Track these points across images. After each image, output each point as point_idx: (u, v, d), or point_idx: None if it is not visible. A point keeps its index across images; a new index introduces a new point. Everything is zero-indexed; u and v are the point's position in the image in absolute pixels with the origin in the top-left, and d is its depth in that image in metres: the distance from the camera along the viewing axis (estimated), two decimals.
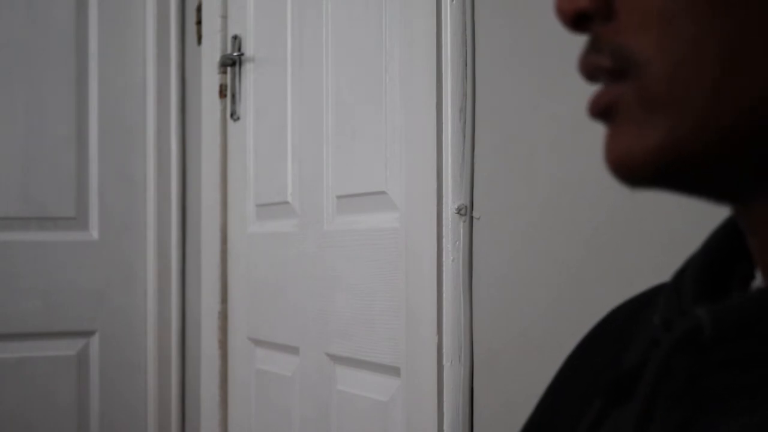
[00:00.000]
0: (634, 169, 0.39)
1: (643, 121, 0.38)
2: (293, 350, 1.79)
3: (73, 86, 2.34)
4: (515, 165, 1.19)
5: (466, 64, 1.27)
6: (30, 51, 2.30)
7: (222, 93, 2.07)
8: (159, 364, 2.39)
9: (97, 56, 2.37)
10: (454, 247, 1.27)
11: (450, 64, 1.27)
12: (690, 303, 0.43)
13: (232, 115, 2.07)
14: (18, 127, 2.29)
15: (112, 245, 2.39)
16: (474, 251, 1.27)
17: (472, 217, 1.27)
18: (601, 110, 0.40)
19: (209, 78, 2.13)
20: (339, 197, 1.66)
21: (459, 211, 1.27)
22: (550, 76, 1.13)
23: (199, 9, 2.24)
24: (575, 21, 0.41)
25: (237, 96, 2.05)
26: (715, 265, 0.45)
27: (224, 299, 2.08)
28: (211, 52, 2.13)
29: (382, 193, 1.51)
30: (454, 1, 1.27)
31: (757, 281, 0.43)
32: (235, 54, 2.04)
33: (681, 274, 0.46)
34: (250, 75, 2.02)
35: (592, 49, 0.40)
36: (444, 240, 1.28)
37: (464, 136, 1.27)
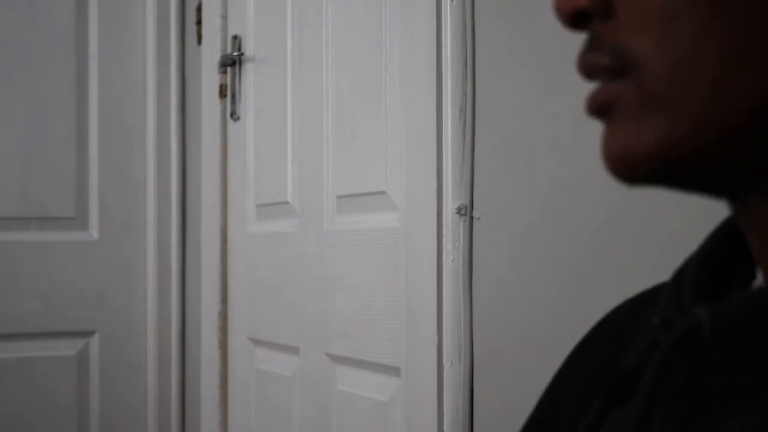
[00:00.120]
0: (632, 167, 0.39)
1: (642, 119, 0.38)
2: (293, 350, 1.79)
3: (73, 86, 2.34)
4: (515, 165, 1.19)
5: (466, 64, 1.27)
6: (30, 51, 2.30)
7: (222, 93, 2.07)
8: (159, 364, 2.39)
9: (97, 56, 2.37)
10: (454, 247, 1.27)
11: (450, 64, 1.27)
12: (689, 303, 0.43)
13: (232, 115, 2.07)
14: (18, 127, 2.29)
15: (112, 245, 2.39)
16: (474, 251, 1.27)
17: (472, 217, 1.27)
18: (598, 107, 0.40)
19: (209, 78, 2.13)
20: (339, 197, 1.66)
21: (459, 211, 1.27)
22: (550, 76, 1.13)
23: (199, 9, 2.24)
24: (574, 19, 0.40)
25: (237, 96, 2.05)
26: (714, 264, 0.45)
27: (224, 299, 2.08)
28: (211, 52, 2.13)
29: (382, 193, 1.51)
30: (454, 1, 1.27)
31: (758, 281, 0.43)
32: (235, 54, 2.04)
33: (680, 274, 0.46)
34: (250, 75, 2.02)
35: (590, 47, 0.40)
36: (444, 240, 1.28)
37: (464, 136, 1.27)
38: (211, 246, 2.11)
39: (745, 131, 0.37)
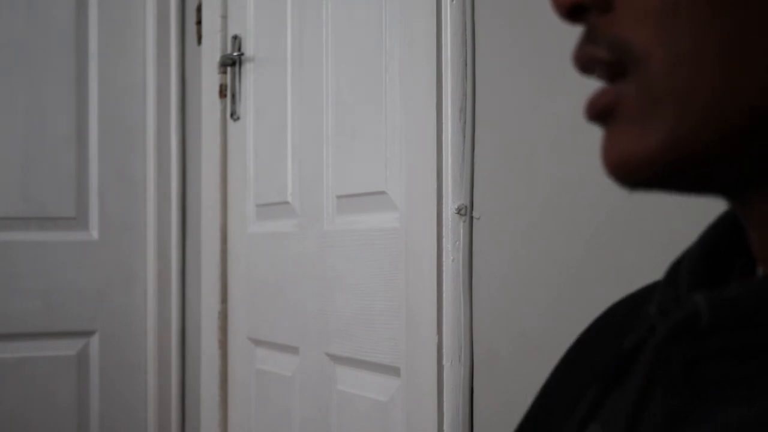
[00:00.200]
0: (634, 172, 0.38)
1: (643, 121, 0.38)
2: (293, 350, 1.79)
3: (73, 86, 2.34)
4: (515, 165, 1.19)
5: (466, 64, 1.27)
6: (30, 51, 2.30)
7: (222, 93, 2.08)
8: (159, 364, 2.39)
9: (97, 56, 2.37)
10: (454, 247, 1.27)
11: (450, 64, 1.27)
12: (686, 293, 0.43)
13: (232, 115, 2.07)
14: (18, 127, 2.29)
15: (112, 245, 2.39)
16: (474, 251, 1.27)
17: (472, 217, 1.27)
18: (599, 112, 0.40)
19: (209, 78, 2.13)
20: (339, 197, 1.66)
21: (459, 211, 1.27)
22: (550, 76, 1.13)
23: (199, 9, 2.24)
24: (571, 12, 0.40)
25: (237, 96, 2.05)
26: (712, 257, 0.45)
27: (224, 299, 2.08)
28: (211, 52, 2.13)
29: (382, 193, 1.51)
30: (454, 1, 1.27)
31: (758, 276, 0.43)
32: (235, 54, 2.04)
33: (677, 266, 0.46)
34: (250, 75, 2.02)
35: (587, 40, 0.40)
36: (444, 240, 1.28)
37: (464, 136, 1.27)
38: (211, 246, 2.11)
39: (746, 131, 0.37)
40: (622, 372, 0.46)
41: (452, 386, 1.27)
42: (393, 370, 1.46)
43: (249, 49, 2.02)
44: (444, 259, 1.28)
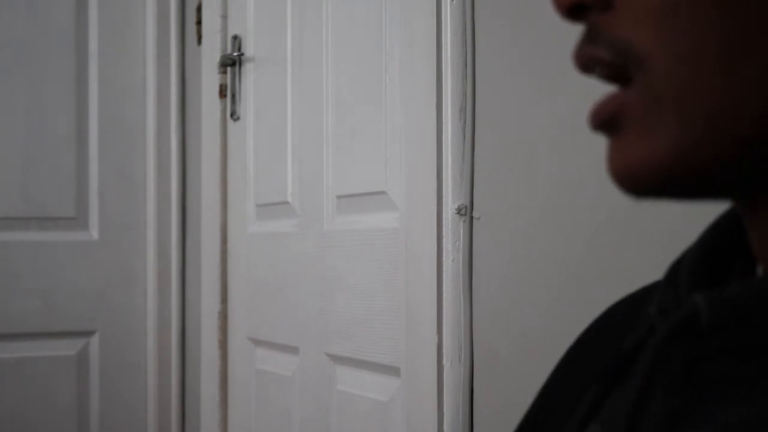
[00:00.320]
0: (640, 181, 0.38)
1: (648, 129, 0.37)
2: (293, 350, 1.79)
3: (73, 86, 2.34)
4: (515, 165, 1.19)
5: (466, 64, 1.27)
6: (30, 51, 2.30)
7: (222, 93, 2.08)
8: (159, 364, 2.39)
9: (97, 56, 2.37)
10: (454, 247, 1.27)
11: (450, 64, 1.27)
12: (686, 293, 0.43)
13: (232, 115, 2.07)
14: (18, 127, 2.29)
15: (112, 245, 2.39)
16: (474, 251, 1.27)
17: (472, 217, 1.27)
18: (604, 121, 0.39)
19: (209, 78, 2.13)
20: (339, 197, 1.66)
21: (459, 211, 1.27)
22: (550, 76, 1.13)
23: (199, 9, 2.24)
24: (571, 10, 0.40)
25: (237, 96, 2.05)
26: (712, 257, 0.45)
27: (224, 299, 2.08)
28: (211, 52, 2.13)
29: (382, 193, 1.51)
30: (454, 1, 1.27)
31: (758, 277, 0.43)
32: (235, 54, 2.04)
33: (677, 266, 0.46)
34: (250, 75, 2.02)
35: (587, 39, 0.40)
36: (444, 240, 1.28)
37: (464, 136, 1.27)
38: (211, 246, 2.11)
39: (750, 135, 0.36)
40: (622, 372, 0.46)
41: (452, 386, 1.27)
42: (393, 370, 1.46)
43: (249, 49, 2.02)
44: (444, 259, 1.28)
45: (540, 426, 0.56)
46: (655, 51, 0.37)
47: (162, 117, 2.39)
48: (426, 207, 1.30)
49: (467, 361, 1.27)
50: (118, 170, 2.39)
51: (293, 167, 1.81)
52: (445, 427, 1.28)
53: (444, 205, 1.28)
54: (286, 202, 1.84)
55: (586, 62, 0.40)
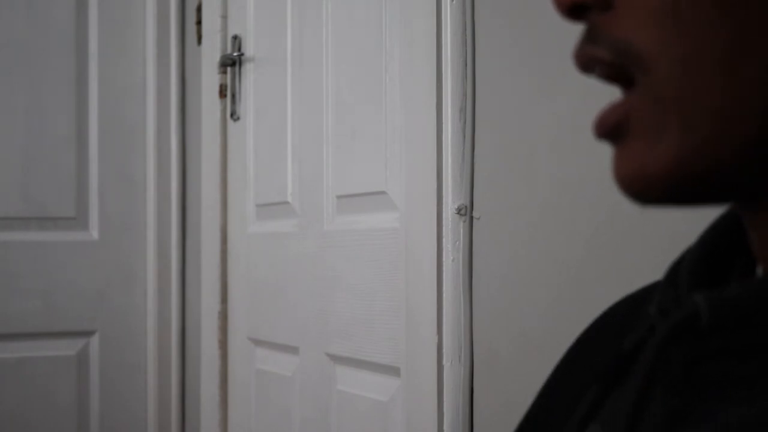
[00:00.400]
0: (646, 188, 0.38)
1: (652, 131, 0.37)
2: (293, 350, 1.79)
3: (73, 86, 2.34)
4: (515, 165, 1.19)
5: (466, 64, 1.27)
6: (30, 51, 2.30)
7: (222, 93, 2.08)
8: (159, 364, 2.39)
9: (97, 56, 2.37)
10: (454, 247, 1.27)
11: (450, 64, 1.27)
12: (686, 293, 0.43)
13: (232, 115, 2.07)
14: (18, 127, 2.29)
15: (112, 245, 2.39)
16: (474, 251, 1.27)
17: (472, 217, 1.27)
18: (610, 128, 0.39)
19: (209, 78, 2.13)
20: (339, 197, 1.66)
21: (459, 211, 1.27)
22: (550, 76, 1.13)
23: (199, 9, 2.24)
24: (572, 10, 0.40)
25: (237, 96, 2.05)
26: (712, 257, 0.45)
27: (224, 299, 2.08)
28: (211, 52, 2.13)
29: (382, 193, 1.51)
30: (454, 1, 1.27)
31: (758, 276, 0.43)
32: (235, 54, 2.04)
33: (677, 266, 0.46)
34: (250, 75, 2.02)
35: (588, 39, 0.40)
36: (444, 240, 1.28)
37: (464, 136, 1.27)
38: (211, 246, 2.11)
39: (754, 138, 0.36)
40: (622, 372, 0.46)
41: (452, 386, 1.27)
42: (393, 370, 1.46)
43: (249, 49, 2.02)
44: (444, 259, 1.28)
45: (540, 426, 0.56)
46: (655, 51, 0.37)
47: (162, 117, 2.39)
48: (426, 207, 1.30)
49: (467, 361, 1.27)
50: (118, 170, 2.39)
51: (293, 167, 1.81)
52: (445, 427, 1.28)
53: (444, 205, 1.28)
54: (286, 202, 1.84)
55: (586, 62, 0.40)
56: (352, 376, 1.61)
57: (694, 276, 0.44)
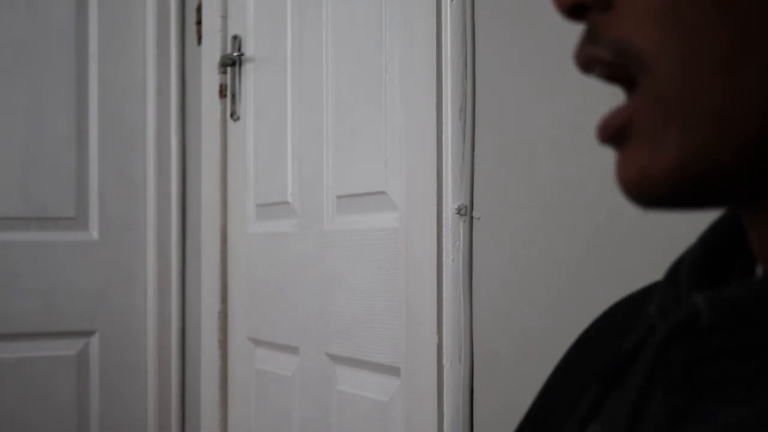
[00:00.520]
0: (649, 191, 0.38)
1: (654, 132, 0.37)
2: (293, 350, 1.79)
3: (73, 86, 2.34)
4: (515, 165, 1.19)
5: (466, 64, 1.27)
6: (30, 51, 2.30)
7: (222, 93, 2.08)
8: (159, 364, 2.39)
9: (97, 56, 2.37)
10: (454, 247, 1.27)
11: (450, 64, 1.27)
12: (686, 293, 0.43)
13: (232, 115, 2.07)
14: (18, 127, 2.29)
15: (112, 245, 2.39)
16: (474, 251, 1.27)
17: (472, 217, 1.27)
18: (613, 133, 0.39)
19: (209, 78, 2.13)
20: (339, 197, 1.66)
21: (459, 211, 1.27)
22: (550, 76, 1.13)
23: (199, 9, 2.24)
24: (572, 10, 0.40)
25: (237, 96, 2.05)
26: (712, 257, 0.45)
27: (224, 299, 2.08)
28: (211, 52, 2.13)
29: (382, 193, 1.52)
30: (454, 1, 1.27)
31: (757, 276, 0.43)
32: (235, 54, 2.04)
33: (677, 266, 0.46)
34: (250, 75, 2.02)
35: (588, 39, 0.40)
36: (444, 240, 1.28)
37: (464, 136, 1.27)
38: (211, 246, 2.11)
39: (756, 139, 0.36)
40: (622, 372, 0.46)
41: (452, 386, 1.27)
42: (393, 370, 1.46)
43: (249, 49, 2.02)
44: (444, 259, 1.28)
45: (540, 426, 0.56)
46: (655, 51, 0.37)
47: (162, 117, 2.39)
48: (426, 207, 1.30)
49: (467, 361, 1.27)
50: (118, 170, 2.39)
51: (293, 167, 1.81)
52: (445, 427, 1.28)
53: (444, 205, 1.28)
54: (286, 202, 1.84)
55: (586, 62, 0.40)
56: (352, 376, 1.61)
57: (694, 276, 0.44)
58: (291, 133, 1.82)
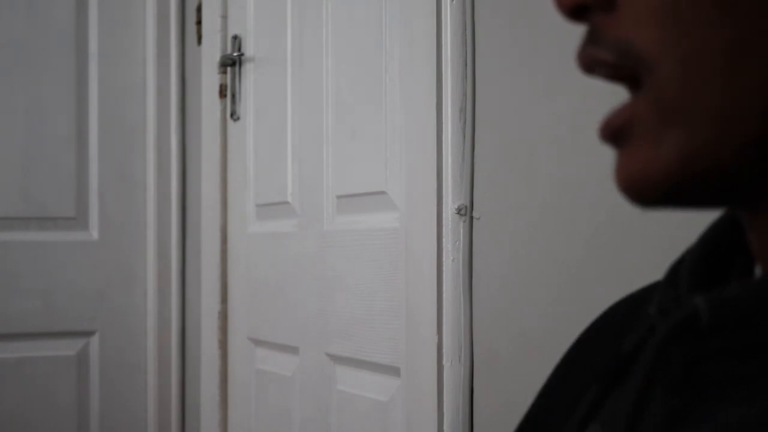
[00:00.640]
0: (647, 190, 0.38)
1: (655, 132, 0.37)
2: (293, 350, 1.79)
3: (73, 86, 2.34)
4: (515, 165, 1.19)
5: (466, 64, 1.27)
6: (30, 51, 2.30)
7: (222, 93, 2.08)
8: (159, 364, 2.39)
9: (97, 56, 2.37)
10: (454, 247, 1.27)
11: (450, 64, 1.27)
12: (686, 293, 0.43)
13: (232, 115, 2.07)
14: (18, 127, 2.29)
15: (112, 245, 2.39)
16: (474, 251, 1.27)
17: (472, 217, 1.27)
18: (614, 132, 0.39)
19: (209, 78, 2.13)
20: (339, 197, 1.66)
21: (459, 211, 1.27)
22: (550, 76, 1.13)
23: (199, 9, 2.24)
24: (574, 11, 0.40)
25: (237, 96, 2.05)
26: (712, 257, 0.45)
27: (224, 299, 2.08)
28: (211, 52, 2.13)
29: (382, 193, 1.52)
30: (454, 1, 1.27)
31: (757, 276, 0.43)
32: (235, 54, 2.04)
33: (677, 266, 0.46)
34: (250, 75, 2.02)
35: (590, 40, 0.40)
36: (444, 240, 1.28)
37: (464, 136, 1.27)
38: (211, 246, 2.11)
39: (756, 139, 0.36)
40: (622, 372, 0.46)
41: (452, 386, 1.27)
42: (393, 370, 1.46)
43: (249, 49, 2.02)
44: (444, 259, 1.28)
45: (540, 426, 0.56)
46: (656, 51, 0.37)
47: (162, 117, 2.39)
48: (426, 207, 1.30)
49: (467, 361, 1.27)
50: (118, 170, 2.39)
51: (293, 167, 1.82)
52: (445, 427, 1.28)
53: (444, 205, 1.28)
54: (286, 202, 1.84)
55: (588, 63, 0.40)
56: (352, 376, 1.61)
57: (694, 276, 0.44)
58: (291, 133, 1.82)
